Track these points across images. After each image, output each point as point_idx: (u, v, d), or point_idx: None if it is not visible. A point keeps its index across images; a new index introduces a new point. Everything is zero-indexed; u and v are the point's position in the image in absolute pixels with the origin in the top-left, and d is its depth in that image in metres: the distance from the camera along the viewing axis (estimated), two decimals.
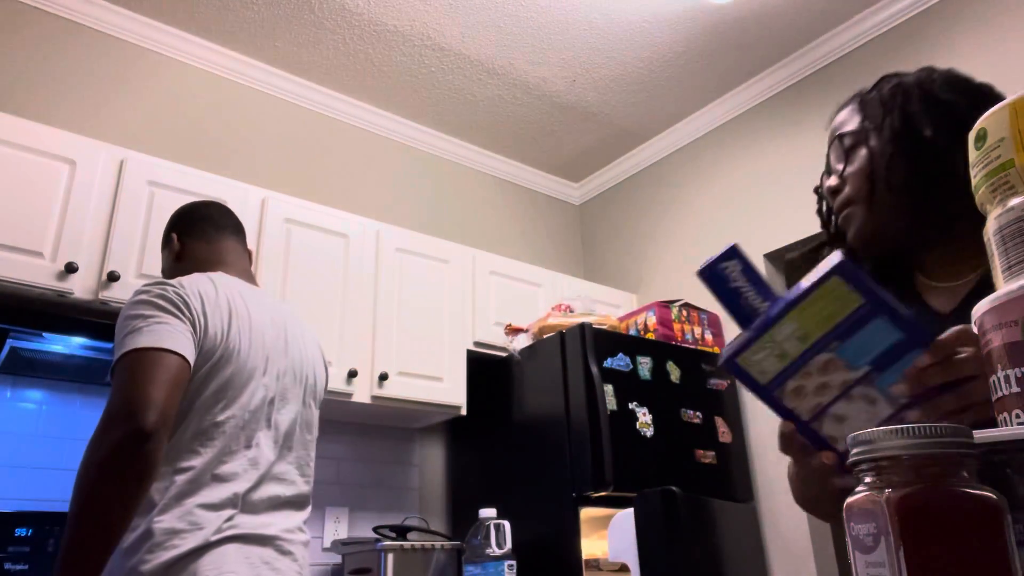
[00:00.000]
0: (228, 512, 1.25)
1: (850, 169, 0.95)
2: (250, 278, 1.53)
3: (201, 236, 1.49)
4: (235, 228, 1.56)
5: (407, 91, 3.23)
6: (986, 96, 0.92)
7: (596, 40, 2.96)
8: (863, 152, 0.93)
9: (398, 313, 2.66)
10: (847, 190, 0.95)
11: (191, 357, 1.23)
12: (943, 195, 0.87)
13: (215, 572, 1.18)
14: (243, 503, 1.27)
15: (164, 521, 1.18)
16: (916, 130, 0.90)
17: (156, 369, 1.16)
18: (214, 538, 1.21)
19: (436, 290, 2.80)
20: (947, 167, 0.85)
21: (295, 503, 1.38)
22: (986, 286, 0.60)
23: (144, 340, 1.19)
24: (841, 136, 0.97)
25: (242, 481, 1.28)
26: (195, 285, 1.32)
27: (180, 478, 1.23)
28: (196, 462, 1.25)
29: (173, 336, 1.21)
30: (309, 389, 1.47)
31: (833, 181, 0.97)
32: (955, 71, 0.97)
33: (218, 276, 1.41)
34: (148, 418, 1.11)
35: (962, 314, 0.66)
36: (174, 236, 1.52)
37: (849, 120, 0.98)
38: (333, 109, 3.24)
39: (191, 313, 1.27)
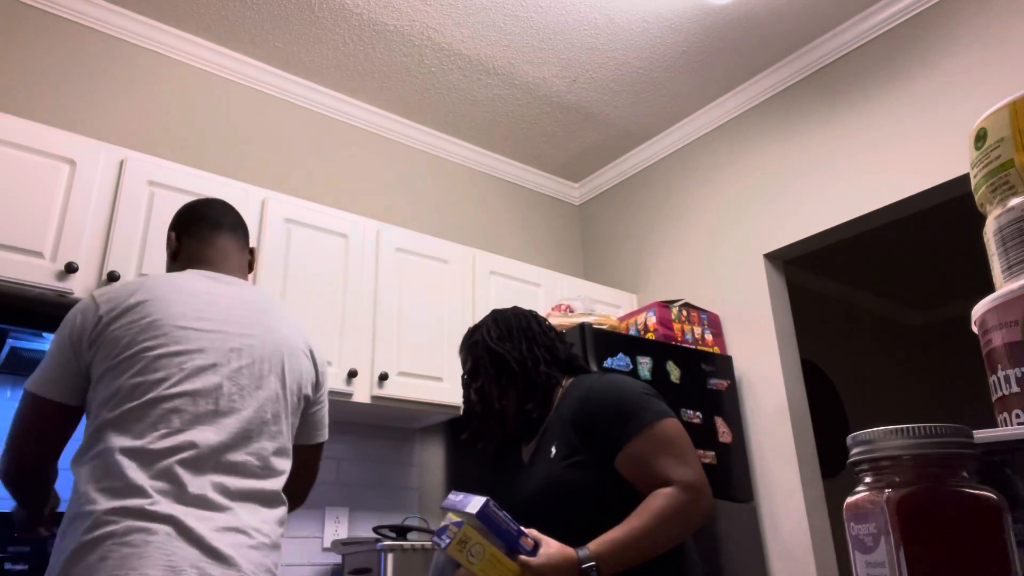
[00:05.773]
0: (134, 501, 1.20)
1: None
2: (238, 274, 1.53)
3: (196, 235, 1.52)
4: (233, 226, 1.57)
5: (407, 91, 3.23)
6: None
7: (596, 40, 2.96)
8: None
9: (398, 313, 2.66)
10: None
11: (63, 395, 1.33)
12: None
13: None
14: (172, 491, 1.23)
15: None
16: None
17: (27, 419, 1.35)
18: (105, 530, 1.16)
19: (436, 290, 2.80)
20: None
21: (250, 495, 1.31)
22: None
23: (29, 382, 1.35)
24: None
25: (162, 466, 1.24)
26: (117, 289, 1.37)
27: (95, 462, 1.24)
28: (107, 442, 1.25)
29: (49, 378, 1.33)
30: (279, 380, 1.40)
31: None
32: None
33: (182, 274, 1.43)
34: (8, 471, 1.36)
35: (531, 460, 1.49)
36: (172, 235, 1.55)
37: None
38: (333, 109, 3.24)
39: (80, 335, 1.32)
